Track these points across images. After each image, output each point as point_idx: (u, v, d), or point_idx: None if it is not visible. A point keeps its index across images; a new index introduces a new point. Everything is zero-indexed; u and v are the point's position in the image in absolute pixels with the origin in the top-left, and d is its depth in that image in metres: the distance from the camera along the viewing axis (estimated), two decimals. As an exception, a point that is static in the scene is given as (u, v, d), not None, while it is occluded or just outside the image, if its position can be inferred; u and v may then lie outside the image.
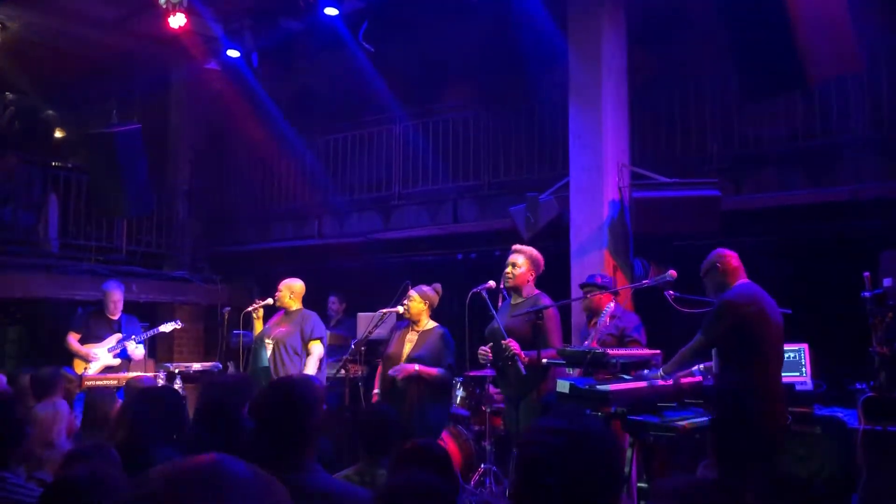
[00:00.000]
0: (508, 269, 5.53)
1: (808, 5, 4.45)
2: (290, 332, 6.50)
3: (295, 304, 6.69)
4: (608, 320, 5.68)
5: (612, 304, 5.80)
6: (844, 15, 4.46)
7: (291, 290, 6.70)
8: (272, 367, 6.38)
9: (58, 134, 13.01)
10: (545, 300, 5.44)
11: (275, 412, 2.63)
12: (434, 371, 5.65)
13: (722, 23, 4.99)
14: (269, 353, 6.46)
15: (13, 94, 12.11)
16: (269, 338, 6.53)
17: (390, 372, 5.72)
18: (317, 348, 6.49)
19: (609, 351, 4.77)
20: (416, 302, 5.90)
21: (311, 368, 6.37)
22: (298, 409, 2.63)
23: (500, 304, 5.85)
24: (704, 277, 4.80)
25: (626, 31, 7.48)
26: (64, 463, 3.05)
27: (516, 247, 5.67)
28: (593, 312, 5.94)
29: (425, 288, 6.00)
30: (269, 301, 6.76)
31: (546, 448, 1.88)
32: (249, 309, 6.78)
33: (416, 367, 5.63)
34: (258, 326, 6.76)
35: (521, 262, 5.52)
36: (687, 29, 8.14)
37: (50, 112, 12.82)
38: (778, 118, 7.46)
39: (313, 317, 6.66)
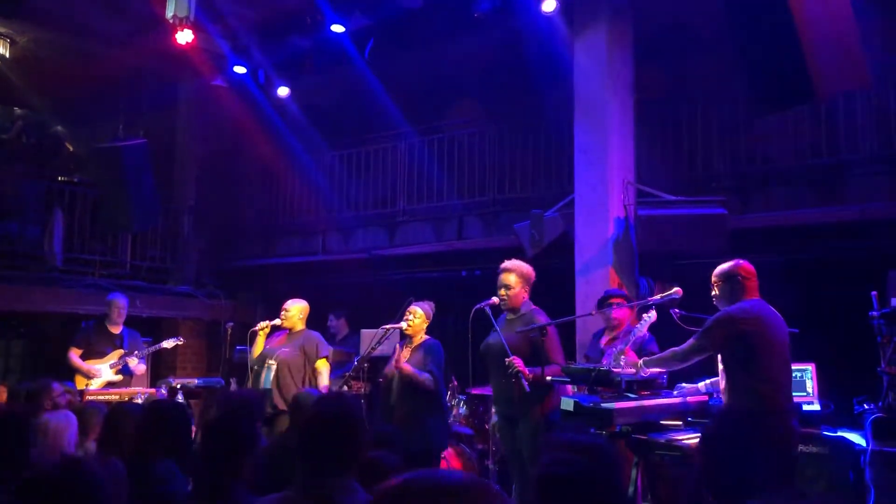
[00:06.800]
0: (503, 292, 5.50)
1: (817, 22, 4.43)
2: (293, 353, 6.44)
3: (300, 325, 6.64)
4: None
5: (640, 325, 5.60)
6: (853, 31, 4.44)
7: (301, 311, 6.64)
8: (275, 388, 6.30)
9: (65, 149, 13.03)
10: (541, 317, 5.37)
11: (328, 428, 2.63)
12: (419, 375, 5.67)
13: (730, 39, 4.98)
14: (272, 374, 6.37)
15: (21, 108, 12.16)
16: (271, 358, 6.43)
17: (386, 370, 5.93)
18: (325, 368, 6.48)
19: (613, 368, 4.71)
20: (419, 318, 5.96)
21: (323, 388, 6.31)
22: (349, 425, 2.64)
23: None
24: (722, 282, 4.63)
25: (632, 47, 7.46)
26: None
27: (505, 265, 5.59)
28: (612, 327, 5.88)
29: (425, 304, 6.07)
30: (277, 321, 6.64)
31: (571, 466, 1.94)
32: (257, 328, 6.65)
33: (407, 367, 5.71)
34: (260, 346, 6.61)
35: (514, 281, 5.50)
36: (694, 46, 8.14)
37: (58, 127, 12.85)
38: (785, 136, 7.43)
39: (317, 336, 6.63)
